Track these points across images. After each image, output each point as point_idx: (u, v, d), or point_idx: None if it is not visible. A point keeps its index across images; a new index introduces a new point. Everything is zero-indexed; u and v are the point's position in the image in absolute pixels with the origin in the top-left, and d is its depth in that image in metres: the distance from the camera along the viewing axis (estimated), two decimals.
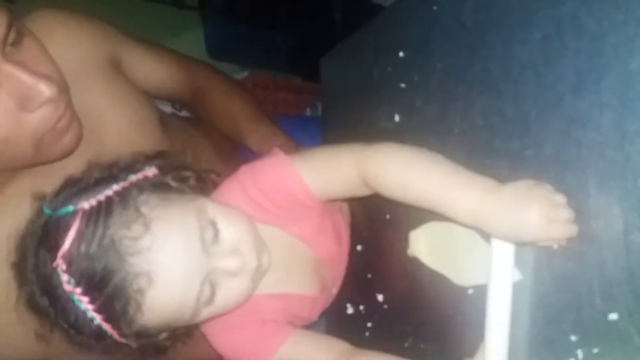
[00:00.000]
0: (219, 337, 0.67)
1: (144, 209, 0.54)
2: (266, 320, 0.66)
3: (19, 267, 0.57)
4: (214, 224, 0.58)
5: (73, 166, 0.71)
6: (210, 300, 0.58)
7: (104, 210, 0.53)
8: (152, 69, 0.86)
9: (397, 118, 0.68)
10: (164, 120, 0.83)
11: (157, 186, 0.58)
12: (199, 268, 0.56)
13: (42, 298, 0.55)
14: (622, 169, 0.44)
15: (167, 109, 1.06)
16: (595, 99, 0.46)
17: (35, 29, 0.66)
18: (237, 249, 0.59)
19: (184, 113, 1.10)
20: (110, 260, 0.52)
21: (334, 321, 0.78)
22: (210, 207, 0.59)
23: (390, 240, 0.70)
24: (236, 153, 0.99)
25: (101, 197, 0.54)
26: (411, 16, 0.67)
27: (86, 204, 0.54)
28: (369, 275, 0.74)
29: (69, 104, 0.66)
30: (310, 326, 0.74)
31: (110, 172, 0.58)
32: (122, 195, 0.55)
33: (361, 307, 0.75)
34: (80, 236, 0.52)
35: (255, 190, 0.63)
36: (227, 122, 0.93)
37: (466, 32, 0.59)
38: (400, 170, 0.55)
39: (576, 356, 0.47)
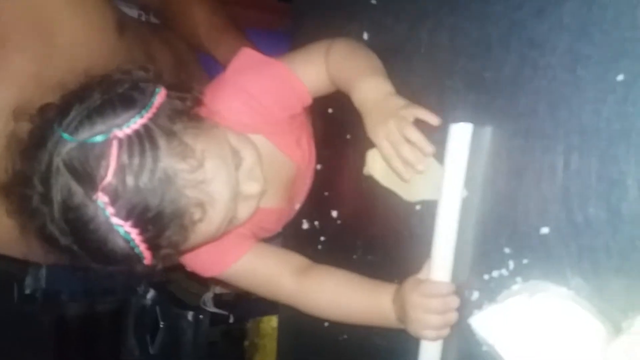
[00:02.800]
0: None
1: (188, 140, 0.52)
2: (230, 232, 0.66)
3: (19, 194, 0.53)
4: (237, 152, 0.58)
5: (19, 60, 0.68)
6: (230, 222, 0.59)
7: (146, 141, 0.50)
8: None
9: (365, 36, 0.68)
10: (123, 25, 0.79)
11: (180, 112, 0.54)
12: (235, 195, 0.57)
13: (60, 227, 0.51)
14: (571, 93, 0.46)
15: (134, 13, 1.02)
16: (556, 22, 0.47)
17: None
18: (254, 174, 0.60)
19: (153, 20, 1.06)
20: (166, 194, 0.50)
21: (290, 236, 0.81)
22: (230, 135, 0.58)
23: (349, 159, 0.71)
24: (196, 64, 0.97)
25: (135, 125, 0.50)
26: None
27: (120, 132, 0.49)
28: (326, 193, 0.76)
29: None
30: (267, 240, 0.77)
31: (113, 90, 0.53)
32: (158, 124, 0.51)
33: (316, 223, 0.77)
34: (122, 168, 0.49)
35: (249, 93, 0.63)
36: (194, 30, 0.90)
37: None
38: (341, 59, 0.64)
39: (507, 267, 0.51)
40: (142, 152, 0.49)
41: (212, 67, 0.93)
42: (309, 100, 0.68)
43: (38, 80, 0.68)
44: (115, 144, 0.49)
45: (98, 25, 0.75)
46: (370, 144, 0.66)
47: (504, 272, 0.51)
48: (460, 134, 0.53)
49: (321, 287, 0.66)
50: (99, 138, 0.49)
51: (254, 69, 0.66)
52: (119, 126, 0.50)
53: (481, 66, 0.53)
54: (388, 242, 0.65)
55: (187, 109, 0.55)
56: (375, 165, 0.65)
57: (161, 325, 1.24)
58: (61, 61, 0.71)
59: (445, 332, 0.55)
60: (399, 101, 0.57)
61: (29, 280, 1.36)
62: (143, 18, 1.17)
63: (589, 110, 0.45)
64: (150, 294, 1.36)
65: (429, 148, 0.54)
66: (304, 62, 0.67)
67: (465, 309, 0.54)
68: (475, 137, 0.53)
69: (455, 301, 0.54)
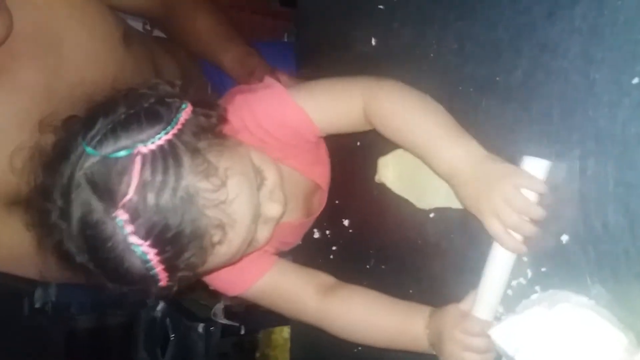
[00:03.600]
0: None
1: (211, 158, 0.50)
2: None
3: (39, 208, 0.52)
4: (260, 172, 0.57)
5: (29, 71, 0.69)
6: (250, 245, 0.57)
7: (170, 157, 0.48)
8: None
9: (373, 42, 0.67)
10: (129, 37, 0.80)
11: (205, 129, 0.52)
12: (257, 216, 0.55)
13: (77, 244, 0.50)
14: (585, 97, 0.45)
15: (138, 26, 1.02)
16: (567, 25, 0.46)
17: None
18: (276, 196, 0.59)
19: (156, 33, 1.07)
20: (187, 213, 0.48)
21: (302, 246, 0.80)
22: (253, 154, 0.57)
23: (360, 167, 0.71)
24: (200, 75, 0.97)
25: (160, 141, 0.49)
26: None
27: (144, 148, 0.48)
28: (337, 202, 0.75)
29: None
30: (282, 253, 0.76)
31: (139, 104, 0.51)
32: (183, 140, 0.50)
33: (328, 232, 0.77)
34: (144, 185, 0.47)
35: (256, 125, 0.61)
36: (200, 41, 0.90)
37: None
38: (400, 114, 0.57)
39: (526, 275, 0.50)
40: (165, 169, 0.48)
41: (216, 79, 0.93)
42: (317, 134, 0.64)
43: (47, 91, 0.69)
44: (138, 159, 0.48)
45: (104, 36, 0.76)
46: (382, 152, 0.65)
47: (522, 280, 0.50)
48: (534, 170, 0.47)
49: (348, 306, 0.63)
50: (122, 153, 0.48)
51: (263, 99, 0.63)
52: (143, 142, 0.48)
53: (492, 71, 0.52)
54: (401, 251, 0.64)
55: (212, 126, 0.54)
56: (387, 173, 0.65)
57: (172, 338, 1.23)
58: (69, 72, 0.72)
59: None
60: (501, 167, 0.50)
61: (38, 294, 1.36)
62: (148, 27, 1.18)
63: (604, 115, 0.44)
64: (160, 306, 1.36)
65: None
66: (325, 99, 0.62)
67: None
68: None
69: None
